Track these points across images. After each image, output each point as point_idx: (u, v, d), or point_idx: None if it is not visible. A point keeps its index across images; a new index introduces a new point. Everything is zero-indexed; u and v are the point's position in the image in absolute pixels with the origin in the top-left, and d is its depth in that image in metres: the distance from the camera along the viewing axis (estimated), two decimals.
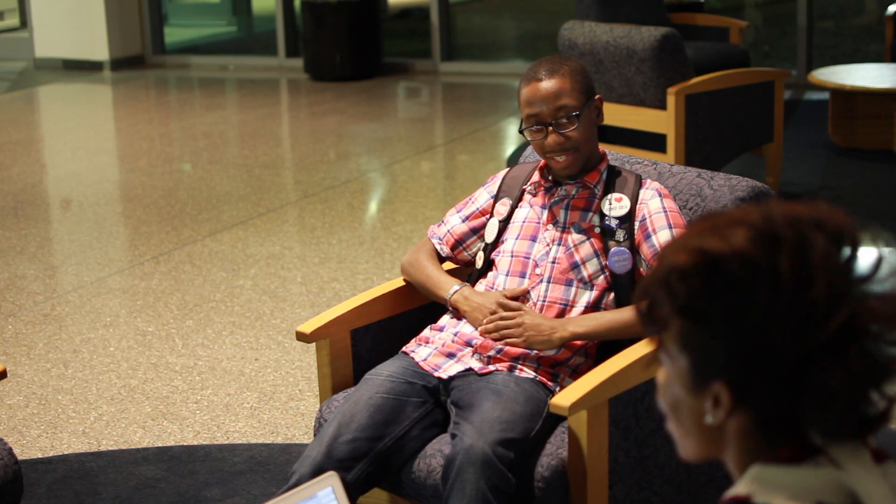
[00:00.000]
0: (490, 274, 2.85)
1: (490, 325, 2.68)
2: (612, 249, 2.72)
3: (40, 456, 3.61)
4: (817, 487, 1.20)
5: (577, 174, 2.79)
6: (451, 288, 2.82)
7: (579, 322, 2.67)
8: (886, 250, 1.23)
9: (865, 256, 1.23)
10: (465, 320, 2.78)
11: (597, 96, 2.80)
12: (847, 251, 1.21)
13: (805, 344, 1.18)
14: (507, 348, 2.69)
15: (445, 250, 2.95)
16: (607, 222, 2.74)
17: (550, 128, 2.73)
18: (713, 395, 1.24)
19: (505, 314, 2.69)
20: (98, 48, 10.64)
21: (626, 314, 2.65)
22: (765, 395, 1.22)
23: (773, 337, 1.19)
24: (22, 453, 3.61)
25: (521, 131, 2.79)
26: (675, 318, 1.25)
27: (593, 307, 2.72)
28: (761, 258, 1.20)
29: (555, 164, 2.77)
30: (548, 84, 2.73)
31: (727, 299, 1.21)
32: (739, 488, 1.22)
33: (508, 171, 2.97)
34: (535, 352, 2.68)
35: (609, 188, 2.79)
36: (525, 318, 2.67)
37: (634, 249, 2.72)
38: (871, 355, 1.19)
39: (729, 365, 1.22)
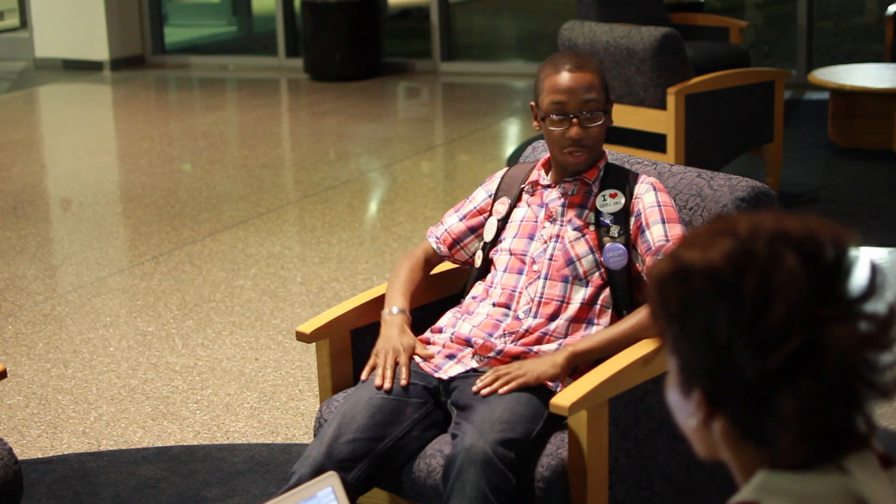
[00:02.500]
0: (489, 273, 2.85)
1: (489, 378, 2.62)
2: (608, 245, 2.72)
3: (40, 456, 3.61)
4: (826, 494, 1.19)
5: (584, 170, 2.79)
6: (389, 307, 2.81)
7: (576, 344, 2.65)
8: (881, 267, 1.20)
9: (856, 276, 1.20)
10: (462, 321, 2.78)
11: (611, 100, 2.80)
12: (824, 273, 1.18)
13: (760, 367, 1.17)
14: (507, 348, 2.69)
15: (443, 249, 2.95)
16: (602, 218, 2.74)
17: (575, 120, 2.72)
18: (695, 399, 1.25)
19: (500, 367, 2.64)
20: (98, 48, 10.64)
21: (620, 329, 2.63)
22: (732, 409, 1.22)
23: (734, 356, 1.19)
24: (22, 453, 3.61)
25: (541, 119, 2.76)
26: (664, 320, 1.26)
27: (589, 304, 2.72)
28: (728, 275, 1.18)
29: (569, 158, 2.75)
30: (578, 76, 2.72)
31: (696, 312, 1.21)
32: (746, 494, 1.21)
33: (507, 170, 2.97)
34: (537, 349, 2.68)
35: (605, 185, 2.79)
36: (521, 362, 2.65)
37: (630, 245, 2.72)
38: (830, 384, 1.16)
39: (702, 375, 1.23)
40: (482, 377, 2.63)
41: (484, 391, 2.58)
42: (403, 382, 2.67)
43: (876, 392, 1.18)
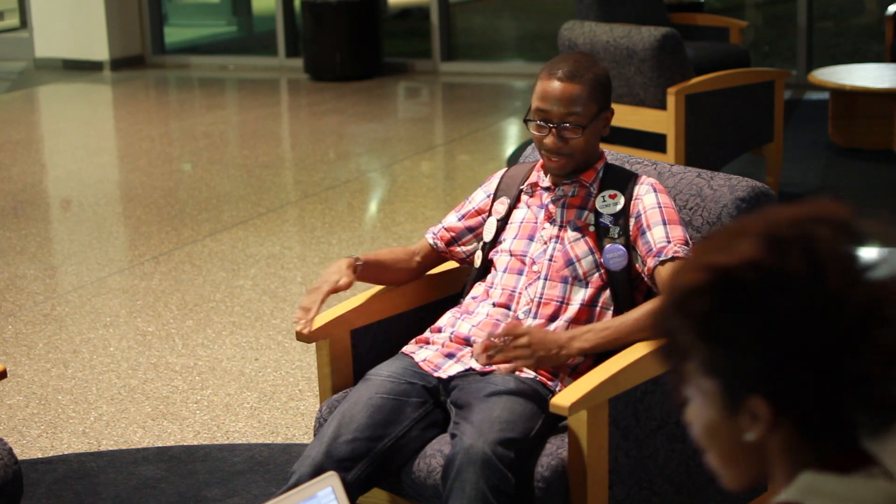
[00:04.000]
0: (489, 274, 2.85)
1: (492, 350, 2.61)
2: (607, 246, 2.72)
3: (40, 456, 3.61)
4: (869, 499, 1.17)
5: (570, 174, 2.79)
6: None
7: (584, 337, 2.63)
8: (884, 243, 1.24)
9: (867, 246, 1.23)
10: (462, 320, 2.78)
11: (610, 109, 2.79)
12: (852, 240, 1.21)
13: (831, 334, 1.17)
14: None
15: (440, 245, 2.95)
16: (602, 220, 2.75)
17: (553, 129, 2.72)
18: (749, 411, 1.21)
19: (510, 339, 2.61)
20: (98, 48, 10.64)
21: (626, 323, 2.63)
22: (805, 399, 1.19)
23: (801, 336, 1.18)
24: (22, 453, 3.61)
25: (525, 121, 2.79)
26: (696, 344, 1.23)
27: (588, 305, 2.72)
28: (772, 261, 1.19)
29: (547, 162, 2.77)
30: (565, 87, 2.71)
31: (747, 310, 1.19)
32: (789, 494, 1.20)
33: (506, 170, 2.97)
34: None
35: (605, 185, 2.79)
36: (533, 336, 2.60)
37: (630, 246, 2.72)
38: None
39: (763, 377, 1.20)
40: (485, 345, 2.60)
41: (482, 362, 2.59)
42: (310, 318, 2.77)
43: None
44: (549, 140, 2.73)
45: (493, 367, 2.64)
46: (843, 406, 1.19)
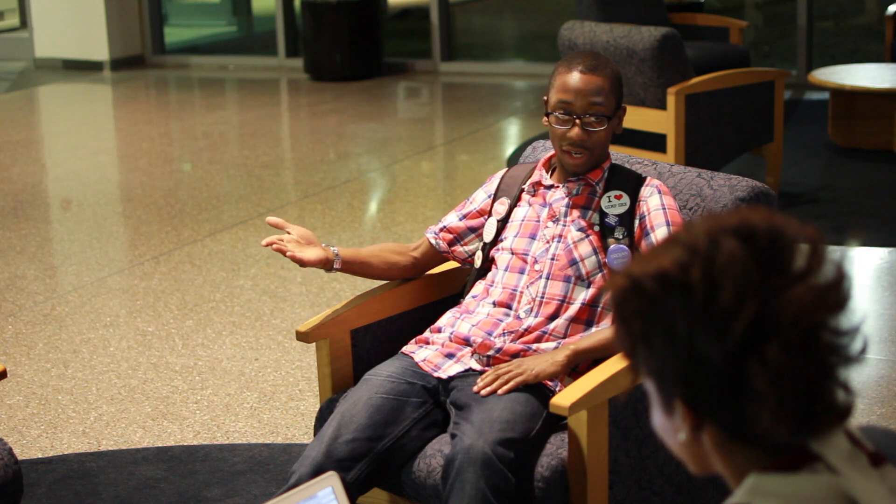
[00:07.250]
0: (490, 272, 2.85)
1: (489, 377, 2.62)
2: (612, 247, 2.72)
3: (40, 456, 3.61)
4: (816, 494, 1.20)
5: (582, 172, 2.79)
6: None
7: (577, 343, 2.65)
8: (823, 242, 1.23)
9: (799, 250, 1.22)
10: (462, 320, 2.77)
11: (623, 107, 2.80)
12: (763, 252, 1.21)
13: (723, 348, 1.19)
14: (505, 346, 2.69)
15: (442, 245, 2.95)
16: (607, 220, 2.75)
17: (578, 120, 2.72)
18: (679, 412, 1.26)
19: (500, 365, 2.65)
20: (98, 48, 10.64)
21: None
22: (713, 406, 1.23)
23: (700, 347, 1.20)
24: (22, 453, 3.61)
25: (546, 114, 2.78)
26: (631, 343, 1.28)
27: (590, 305, 2.72)
28: (676, 272, 1.22)
29: (567, 158, 2.76)
30: (588, 78, 2.73)
31: (655, 319, 1.23)
32: (737, 497, 1.23)
33: (507, 171, 2.97)
34: (536, 347, 2.68)
35: (610, 186, 2.79)
36: (522, 359, 2.65)
37: (634, 247, 2.72)
38: (795, 350, 1.18)
39: (678, 382, 1.24)
40: (482, 377, 2.63)
41: (484, 391, 2.58)
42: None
43: (841, 357, 1.20)
44: (573, 133, 2.72)
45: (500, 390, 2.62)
46: (748, 417, 1.21)
